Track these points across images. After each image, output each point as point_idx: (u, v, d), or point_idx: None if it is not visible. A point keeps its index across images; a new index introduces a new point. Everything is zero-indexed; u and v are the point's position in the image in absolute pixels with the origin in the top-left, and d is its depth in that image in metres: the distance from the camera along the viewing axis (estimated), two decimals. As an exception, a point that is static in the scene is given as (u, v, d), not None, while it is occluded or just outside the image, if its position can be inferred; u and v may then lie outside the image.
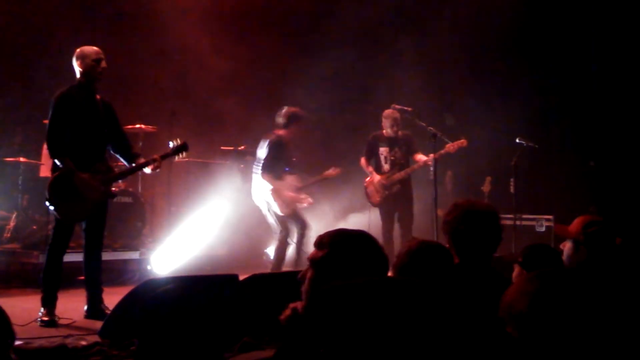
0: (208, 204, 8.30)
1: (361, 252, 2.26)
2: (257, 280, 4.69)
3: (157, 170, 5.63)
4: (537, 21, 10.04)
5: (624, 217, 8.66)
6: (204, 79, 9.26)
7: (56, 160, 5.18)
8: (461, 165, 9.16)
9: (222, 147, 9.15)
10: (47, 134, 5.23)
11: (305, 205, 7.50)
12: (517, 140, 8.04)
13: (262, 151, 7.30)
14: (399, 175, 7.91)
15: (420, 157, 7.84)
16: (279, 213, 7.28)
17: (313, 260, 2.31)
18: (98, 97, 5.40)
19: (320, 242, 2.32)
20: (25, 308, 5.38)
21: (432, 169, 7.30)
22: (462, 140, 7.62)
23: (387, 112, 7.99)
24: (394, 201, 7.97)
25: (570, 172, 9.84)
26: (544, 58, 10.03)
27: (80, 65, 5.29)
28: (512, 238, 7.66)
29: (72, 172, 5.11)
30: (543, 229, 8.65)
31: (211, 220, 8.27)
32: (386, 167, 8.02)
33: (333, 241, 2.29)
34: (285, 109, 7.36)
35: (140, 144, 8.12)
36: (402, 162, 7.95)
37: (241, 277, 4.62)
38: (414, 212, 8.04)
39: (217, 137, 9.11)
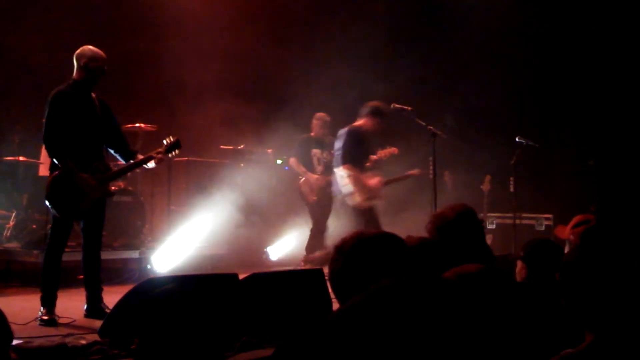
0: (208, 203, 8.29)
1: (378, 256, 2.16)
2: (256, 279, 4.69)
3: (160, 163, 5.60)
4: (536, 21, 10.04)
5: (623, 215, 8.66)
6: (204, 77, 9.24)
7: (54, 159, 5.14)
8: (461, 164, 9.15)
9: (221, 146, 9.14)
10: (44, 133, 5.16)
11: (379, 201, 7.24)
12: (517, 139, 8.02)
13: (339, 142, 7.13)
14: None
15: None
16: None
17: (331, 269, 2.24)
18: (94, 95, 5.36)
19: (338, 250, 2.23)
20: (25, 307, 5.37)
21: (431, 168, 7.27)
22: (393, 149, 7.81)
23: (320, 115, 8.28)
24: (327, 201, 8.11)
25: (570, 171, 9.84)
26: (543, 57, 10.03)
27: (81, 65, 5.23)
28: (512, 237, 7.66)
29: (71, 170, 5.09)
30: (543, 228, 8.67)
31: (211, 219, 8.25)
32: (320, 168, 8.24)
33: (348, 249, 2.21)
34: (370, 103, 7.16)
35: (140, 142, 8.11)
36: (332, 164, 8.07)
37: (241, 277, 4.62)
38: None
39: (216, 135, 9.10)
